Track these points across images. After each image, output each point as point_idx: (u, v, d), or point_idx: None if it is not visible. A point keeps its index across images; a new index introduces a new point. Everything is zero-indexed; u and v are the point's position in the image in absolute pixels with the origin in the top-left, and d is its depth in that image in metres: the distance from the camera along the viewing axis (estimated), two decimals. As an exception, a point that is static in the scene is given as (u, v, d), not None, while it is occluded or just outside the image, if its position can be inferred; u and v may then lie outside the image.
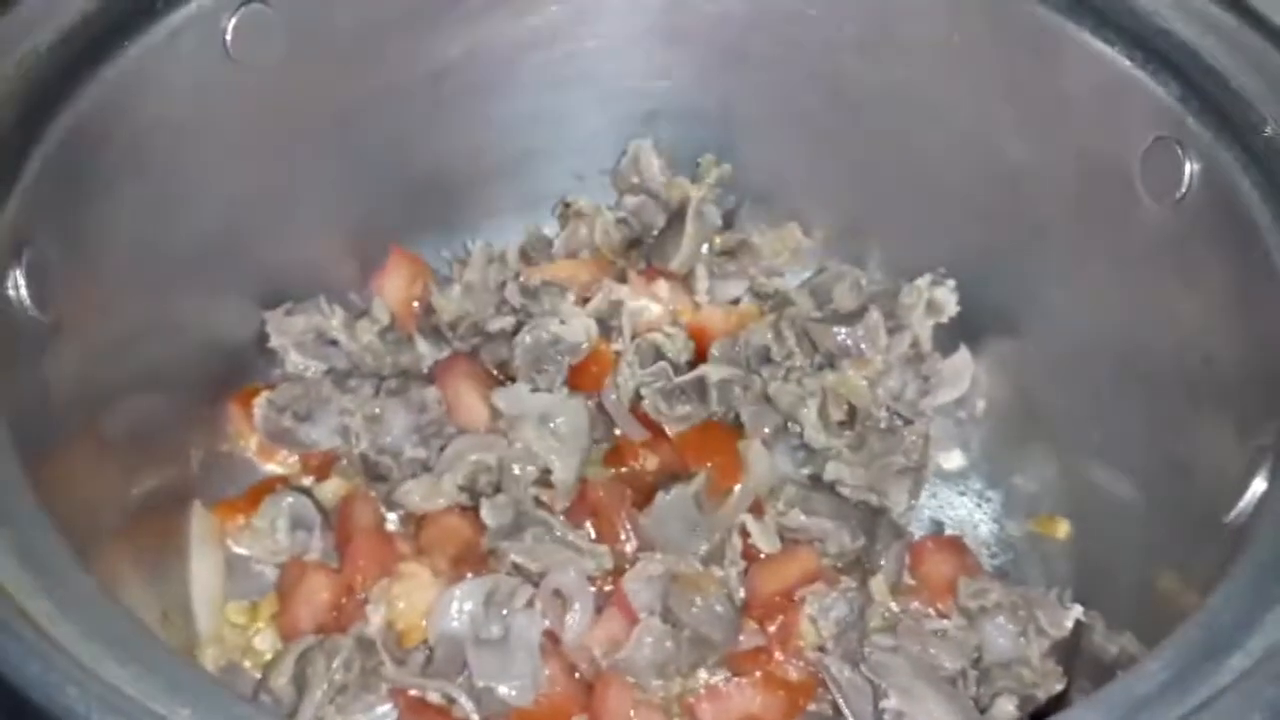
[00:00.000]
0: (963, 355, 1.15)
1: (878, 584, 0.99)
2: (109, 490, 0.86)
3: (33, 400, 0.74)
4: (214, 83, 0.92)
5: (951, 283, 1.14)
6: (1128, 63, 0.90)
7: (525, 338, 1.09)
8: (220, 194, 0.96)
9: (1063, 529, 1.05)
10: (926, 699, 0.87)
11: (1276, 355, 0.77)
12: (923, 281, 1.14)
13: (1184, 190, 0.87)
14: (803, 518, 1.01)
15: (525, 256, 1.19)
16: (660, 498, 1.00)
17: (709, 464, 1.04)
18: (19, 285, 0.74)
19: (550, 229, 1.23)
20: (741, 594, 0.97)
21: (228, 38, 0.92)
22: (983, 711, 0.91)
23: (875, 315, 1.10)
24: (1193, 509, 0.83)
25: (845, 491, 1.04)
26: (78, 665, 0.52)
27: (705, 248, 1.19)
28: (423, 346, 1.12)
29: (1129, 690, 0.57)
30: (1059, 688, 0.92)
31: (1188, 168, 0.87)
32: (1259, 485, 0.73)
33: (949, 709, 0.87)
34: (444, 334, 1.13)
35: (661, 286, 1.13)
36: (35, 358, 0.76)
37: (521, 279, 1.13)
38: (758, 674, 0.93)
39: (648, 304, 1.13)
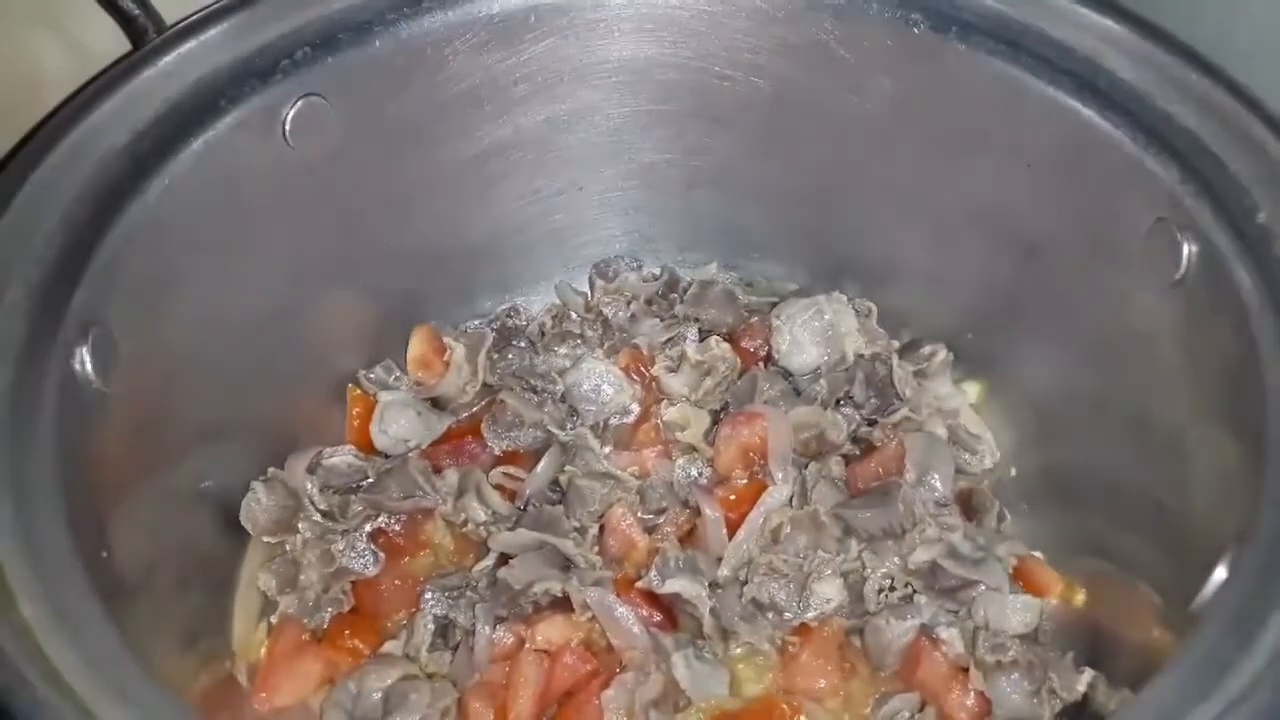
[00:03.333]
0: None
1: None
2: (167, 529, 0.95)
3: (94, 461, 0.83)
4: (273, 170, 1.02)
5: (945, 353, 1.17)
6: (1132, 145, 0.92)
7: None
8: (277, 271, 1.06)
9: (1080, 597, 1.06)
10: None
11: (1250, 438, 0.77)
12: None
13: (1183, 271, 0.88)
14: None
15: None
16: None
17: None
18: (85, 361, 0.83)
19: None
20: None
21: (286, 128, 1.01)
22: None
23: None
24: (1186, 577, 0.83)
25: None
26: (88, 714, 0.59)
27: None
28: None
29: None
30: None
31: (1185, 249, 0.88)
32: (1220, 574, 0.73)
33: None
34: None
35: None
36: (99, 424, 0.85)
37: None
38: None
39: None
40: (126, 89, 0.93)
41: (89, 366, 0.84)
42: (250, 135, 0.99)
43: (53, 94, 0.96)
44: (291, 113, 1.01)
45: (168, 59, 0.95)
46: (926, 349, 1.19)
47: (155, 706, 0.61)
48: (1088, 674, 0.97)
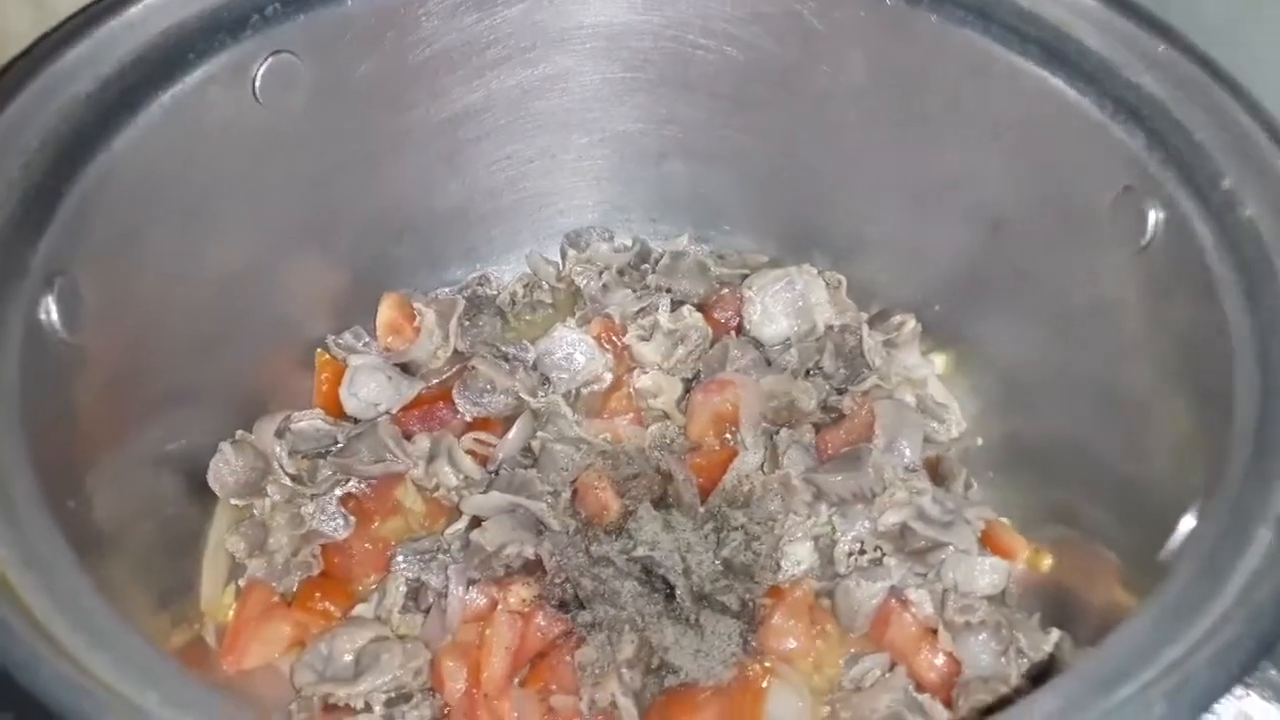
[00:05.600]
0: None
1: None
2: (135, 488, 0.94)
3: (59, 413, 0.82)
4: (242, 128, 1.00)
5: (914, 323, 1.19)
6: (1099, 114, 0.94)
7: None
8: (245, 231, 1.04)
9: (1046, 562, 1.08)
10: None
11: (1216, 399, 0.79)
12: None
13: (1148, 238, 0.90)
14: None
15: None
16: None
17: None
18: (50, 311, 0.82)
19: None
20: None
21: (256, 84, 0.99)
22: (960, 721, 0.95)
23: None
24: (1147, 539, 0.85)
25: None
26: (62, 653, 0.58)
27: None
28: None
29: (1038, 706, 0.60)
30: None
31: (1152, 216, 0.90)
32: (1188, 522, 0.75)
33: None
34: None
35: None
36: (64, 376, 0.84)
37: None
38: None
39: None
40: (92, 37, 0.91)
41: (54, 316, 0.82)
42: (219, 90, 0.97)
43: (14, 49, 0.94)
44: (262, 69, 0.99)
45: (135, 9, 0.93)
46: (896, 319, 1.20)
47: (133, 650, 0.60)
48: (1055, 634, 0.99)
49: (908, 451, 1.11)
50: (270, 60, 0.99)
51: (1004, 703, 0.94)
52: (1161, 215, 0.89)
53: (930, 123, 1.10)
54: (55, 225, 0.83)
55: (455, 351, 1.21)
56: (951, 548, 1.03)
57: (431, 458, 1.11)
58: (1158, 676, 0.59)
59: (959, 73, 1.04)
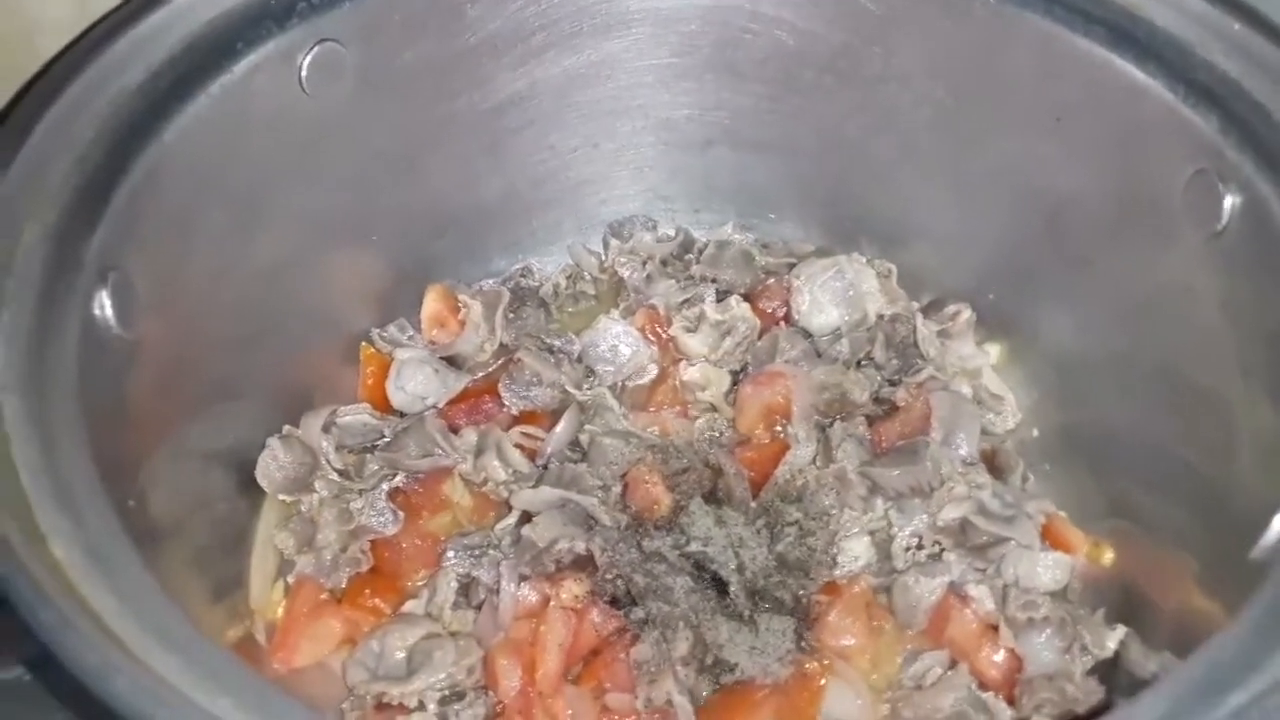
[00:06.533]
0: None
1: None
2: (186, 484, 0.93)
3: (116, 410, 0.81)
4: (289, 118, 0.99)
5: (969, 313, 1.16)
6: (1170, 96, 0.91)
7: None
8: (291, 222, 1.03)
9: (1107, 556, 1.05)
10: None
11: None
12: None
13: (1224, 223, 0.87)
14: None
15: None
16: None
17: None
18: (104, 306, 0.81)
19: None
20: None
21: (303, 74, 0.98)
22: (1022, 721, 0.93)
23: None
24: (1228, 535, 0.83)
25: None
26: (133, 659, 0.57)
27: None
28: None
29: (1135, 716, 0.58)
30: (1099, 705, 0.93)
31: (1228, 201, 0.87)
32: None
33: None
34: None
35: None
36: (120, 371, 0.83)
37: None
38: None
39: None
40: (139, 28, 0.90)
41: (109, 311, 0.81)
42: (266, 80, 0.96)
43: (52, 41, 0.93)
44: (308, 59, 0.98)
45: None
46: (950, 308, 1.18)
47: (202, 652, 0.59)
48: (1119, 631, 0.97)
49: (965, 444, 1.08)
50: (316, 49, 0.98)
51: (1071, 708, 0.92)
52: (1238, 200, 0.86)
53: (986, 107, 1.08)
54: (109, 218, 0.82)
55: (500, 344, 1.19)
56: (1013, 543, 1.00)
57: (479, 452, 1.09)
58: (1271, 687, 0.57)
59: (1018, 55, 1.02)
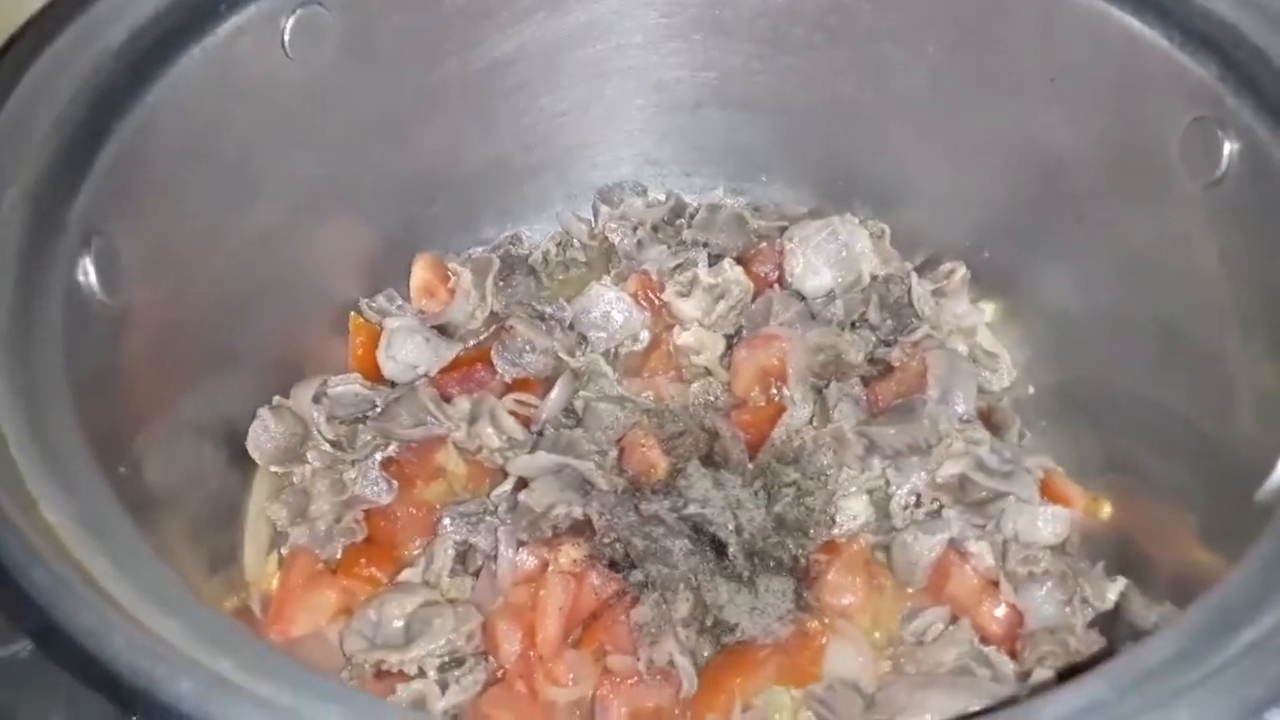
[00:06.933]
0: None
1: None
2: (176, 456, 0.91)
3: (103, 378, 0.79)
4: (272, 83, 0.97)
5: (964, 270, 1.15)
6: (1167, 44, 0.90)
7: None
8: (279, 186, 1.01)
9: (1105, 510, 1.05)
10: (926, 705, 0.88)
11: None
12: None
13: (1222, 170, 0.87)
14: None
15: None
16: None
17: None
18: (89, 272, 0.79)
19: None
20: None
21: (286, 38, 0.96)
22: (1026, 676, 0.93)
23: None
24: (1228, 487, 0.82)
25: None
26: (131, 619, 0.56)
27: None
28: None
29: (1136, 662, 0.58)
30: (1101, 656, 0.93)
31: (1226, 147, 0.86)
32: (1287, 466, 0.73)
33: (952, 700, 0.88)
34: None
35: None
36: (105, 339, 0.81)
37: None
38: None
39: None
40: (120, -11, 0.88)
41: (93, 277, 0.80)
42: (250, 44, 0.94)
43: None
44: (291, 21, 0.96)
45: (162, -40, 0.90)
46: (946, 266, 1.17)
47: (200, 615, 0.58)
48: (1120, 583, 0.97)
49: (962, 402, 1.08)
50: (300, 11, 0.96)
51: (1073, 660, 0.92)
52: (1236, 146, 0.85)
53: (979, 63, 1.07)
54: (91, 181, 0.80)
55: (491, 312, 1.18)
56: (1013, 498, 1.00)
57: (473, 419, 1.08)
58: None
59: (1012, 7, 1.00)
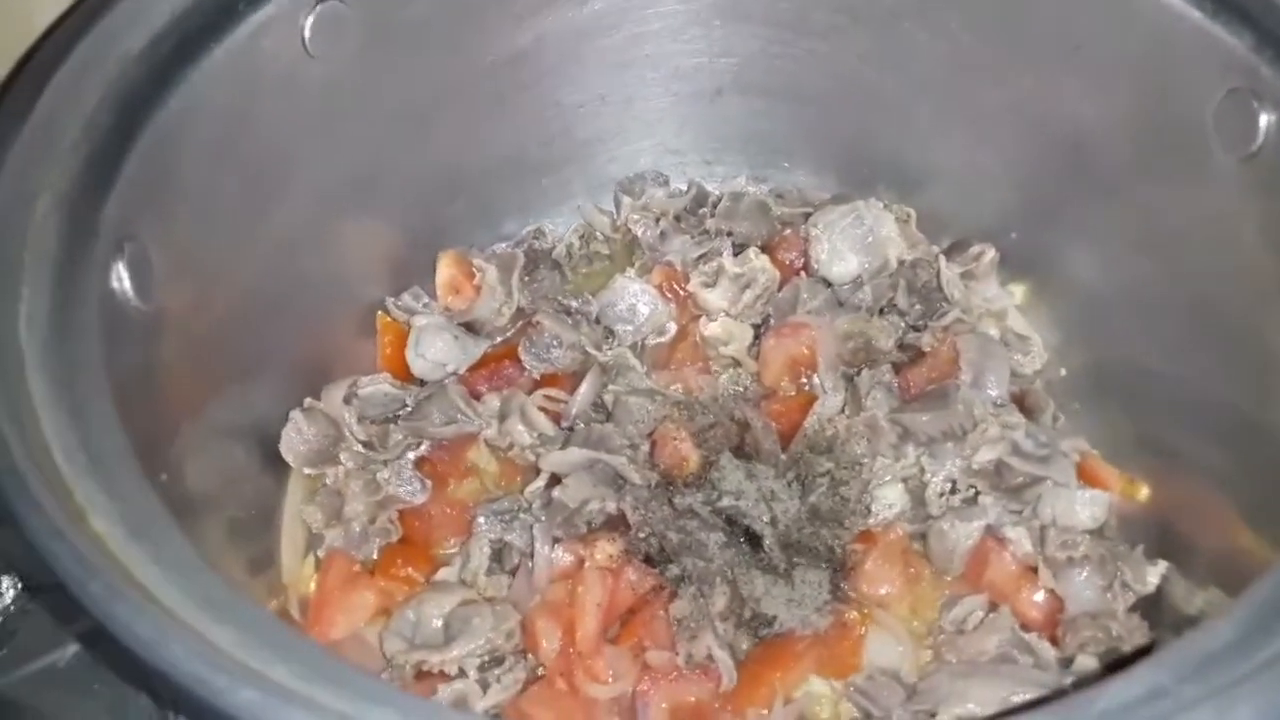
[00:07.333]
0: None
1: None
2: (212, 461, 0.91)
3: (140, 385, 0.79)
4: (293, 82, 0.96)
5: (993, 253, 1.14)
6: (1199, 14, 0.89)
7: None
8: (303, 186, 1.00)
9: (1142, 492, 1.04)
10: (968, 694, 0.87)
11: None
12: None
13: (1259, 142, 0.85)
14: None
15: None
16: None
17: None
18: (122, 278, 0.79)
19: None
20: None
21: (306, 35, 0.96)
22: (1068, 663, 0.92)
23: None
24: (1269, 467, 0.81)
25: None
26: (186, 628, 0.56)
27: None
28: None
29: (1198, 646, 0.57)
30: (1144, 642, 0.93)
31: (1263, 119, 0.85)
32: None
33: (995, 688, 0.87)
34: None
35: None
36: (141, 345, 0.81)
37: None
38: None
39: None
40: (139, -8, 0.87)
41: (127, 283, 0.79)
42: (271, 43, 0.94)
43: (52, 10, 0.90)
44: (310, 19, 0.96)
45: (180, -39, 0.89)
46: (975, 249, 1.16)
47: (253, 621, 0.58)
48: (1160, 566, 0.96)
49: (995, 386, 1.07)
50: (319, 8, 0.96)
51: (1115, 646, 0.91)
52: (1273, 118, 0.84)
53: (1003, 39, 1.05)
54: (120, 186, 0.80)
55: (517, 308, 1.17)
56: (1050, 482, 0.99)
57: (503, 417, 1.08)
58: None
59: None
